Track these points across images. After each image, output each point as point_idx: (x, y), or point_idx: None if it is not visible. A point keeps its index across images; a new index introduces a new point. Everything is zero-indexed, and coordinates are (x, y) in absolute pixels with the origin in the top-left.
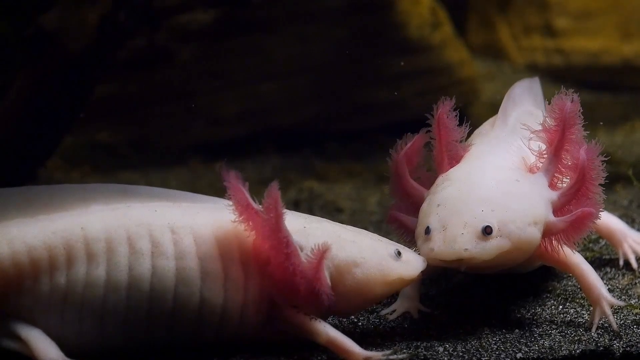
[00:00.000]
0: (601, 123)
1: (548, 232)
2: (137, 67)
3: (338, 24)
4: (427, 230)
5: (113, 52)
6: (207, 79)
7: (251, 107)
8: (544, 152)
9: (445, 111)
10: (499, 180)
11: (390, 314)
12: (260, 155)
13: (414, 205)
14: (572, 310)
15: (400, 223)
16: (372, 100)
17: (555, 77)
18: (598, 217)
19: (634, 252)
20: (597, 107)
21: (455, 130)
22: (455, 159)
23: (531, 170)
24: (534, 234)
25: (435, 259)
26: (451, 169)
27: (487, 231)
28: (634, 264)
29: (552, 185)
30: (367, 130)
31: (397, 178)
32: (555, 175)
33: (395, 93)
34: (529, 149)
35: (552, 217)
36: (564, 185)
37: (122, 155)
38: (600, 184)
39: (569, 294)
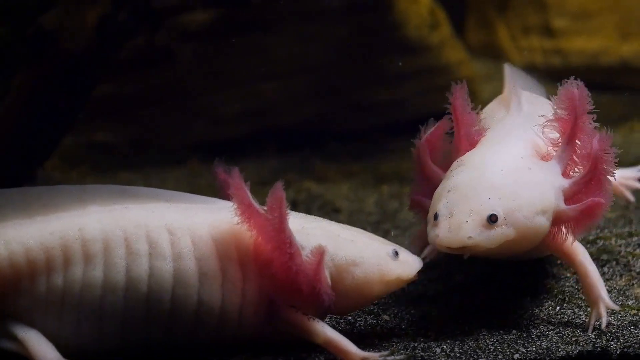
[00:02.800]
0: (599, 124)
1: (558, 220)
2: (136, 67)
3: (337, 24)
4: (436, 216)
5: (113, 52)
6: (207, 78)
7: (251, 107)
8: (558, 141)
9: (459, 96)
10: (510, 167)
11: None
12: (259, 155)
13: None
14: (569, 311)
15: (421, 207)
16: (371, 100)
17: (554, 77)
18: (608, 208)
19: (627, 188)
20: (596, 107)
21: (470, 115)
22: (471, 144)
23: (545, 158)
24: (542, 223)
25: (440, 246)
26: (465, 155)
27: (492, 219)
28: (630, 198)
29: (565, 174)
30: (367, 130)
31: (419, 163)
32: (569, 163)
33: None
34: (543, 137)
35: (562, 205)
36: (577, 173)
37: (121, 155)
38: (610, 175)
39: (567, 294)
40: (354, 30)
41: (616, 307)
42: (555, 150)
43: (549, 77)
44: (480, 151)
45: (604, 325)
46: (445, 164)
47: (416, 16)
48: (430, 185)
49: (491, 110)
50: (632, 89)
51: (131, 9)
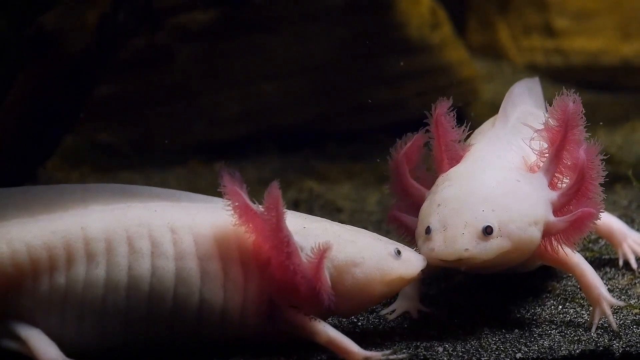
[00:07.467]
0: (601, 123)
1: (548, 232)
2: (137, 67)
3: (338, 24)
4: (428, 230)
5: (113, 52)
6: (207, 78)
7: (251, 107)
8: (545, 151)
9: (442, 112)
10: (499, 180)
11: (390, 314)
12: (260, 155)
13: (414, 205)
14: (571, 310)
15: (400, 223)
16: (372, 101)
17: (555, 77)
18: (598, 217)
19: (634, 252)
20: (597, 107)
21: (454, 131)
22: (455, 159)
23: (531, 170)
24: (534, 234)
25: (435, 259)
26: (451, 169)
27: (487, 231)
28: (634, 264)
29: (552, 185)
30: (367, 130)
31: (397, 177)
32: (556, 175)
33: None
34: (530, 148)
35: (552, 217)
36: (564, 185)
37: (122, 155)
38: (600, 184)
39: (569, 294)
40: (355, 31)
41: (620, 303)
42: (542, 162)
43: (550, 77)
44: (467, 165)
45: (614, 325)
46: (422, 178)
47: (417, 16)
48: (408, 200)
49: (482, 128)
50: (632, 88)
51: (131, 9)
